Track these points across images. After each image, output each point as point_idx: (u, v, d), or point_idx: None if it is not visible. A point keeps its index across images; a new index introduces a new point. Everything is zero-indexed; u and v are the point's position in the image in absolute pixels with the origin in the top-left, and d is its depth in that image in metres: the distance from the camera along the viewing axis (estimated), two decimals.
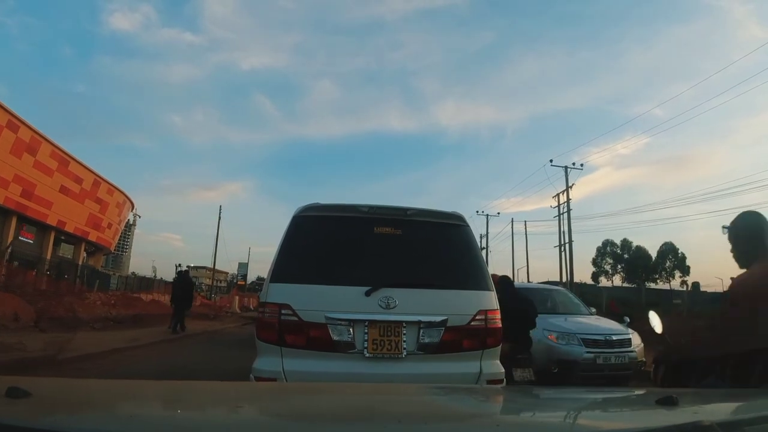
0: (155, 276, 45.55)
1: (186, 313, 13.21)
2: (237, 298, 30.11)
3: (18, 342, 7.22)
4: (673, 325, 2.78)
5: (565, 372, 6.11)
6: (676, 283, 53.68)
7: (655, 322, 2.60)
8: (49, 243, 22.27)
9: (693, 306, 22.14)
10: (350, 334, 2.68)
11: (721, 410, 1.34)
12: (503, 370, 2.93)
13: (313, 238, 3.04)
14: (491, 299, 2.96)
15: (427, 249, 3.08)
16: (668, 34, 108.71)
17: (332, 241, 3.02)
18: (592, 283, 52.37)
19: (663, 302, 24.93)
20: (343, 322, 2.68)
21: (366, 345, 2.67)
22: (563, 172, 26.98)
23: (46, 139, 19.73)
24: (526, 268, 39.46)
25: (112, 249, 32.73)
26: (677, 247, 59.02)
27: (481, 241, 36.69)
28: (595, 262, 62.83)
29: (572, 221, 26.63)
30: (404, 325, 2.72)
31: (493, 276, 3.65)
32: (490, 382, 2.79)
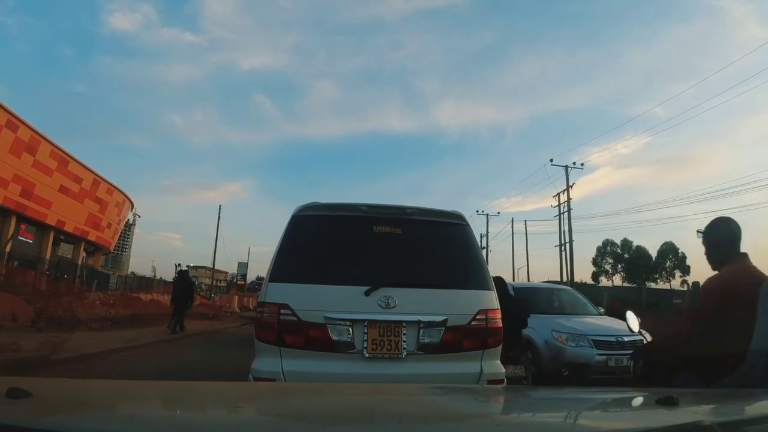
0: (155, 276, 45.62)
1: (185, 313, 13.18)
2: (236, 297, 30.13)
3: (14, 342, 7.18)
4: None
5: (575, 375, 5.80)
6: (676, 283, 53.53)
7: (632, 320, 2.79)
8: (48, 242, 22.27)
9: (693, 305, 22.13)
10: (350, 334, 2.66)
11: (721, 410, 1.34)
12: (504, 370, 2.92)
13: (312, 237, 3.02)
14: (492, 299, 2.94)
15: (427, 248, 3.07)
16: (668, 34, 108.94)
17: (331, 241, 3.00)
18: (592, 282, 52.46)
19: (663, 302, 24.96)
20: (342, 322, 2.66)
21: (365, 345, 2.65)
22: (563, 172, 27.08)
23: (45, 139, 19.73)
24: (526, 267, 39.55)
25: (112, 249, 32.72)
26: (677, 246, 58.94)
27: (481, 241, 36.70)
28: (595, 262, 62.86)
29: (572, 221, 26.70)
30: (404, 324, 2.71)
31: None
32: (490, 382, 2.77)
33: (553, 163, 27.15)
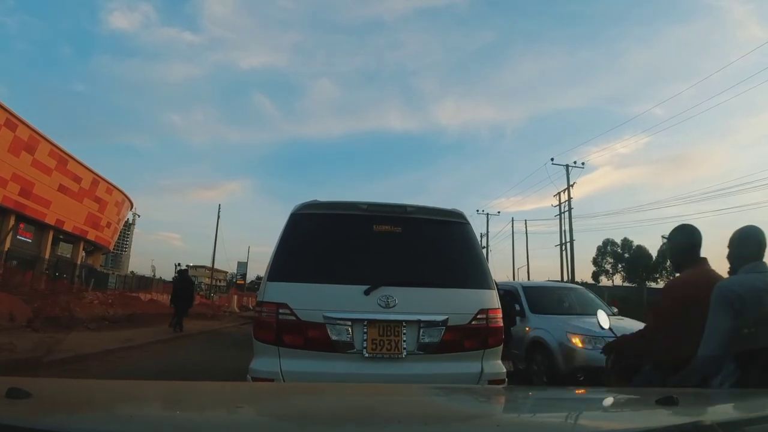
0: (154, 275, 45.64)
1: (186, 313, 13.12)
2: (235, 297, 30.12)
3: (8, 342, 7.09)
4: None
5: (592, 379, 5.32)
6: None
7: (602, 319, 3.00)
8: (47, 242, 22.23)
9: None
10: (349, 333, 2.64)
11: (721, 410, 1.35)
12: (505, 370, 2.91)
13: (312, 236, 2.99)
14: (493, 298, 2.92)
15: (427, 247, 3.05)
16: (668, 34, 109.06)
17: (331, 239, 2.98)
18: (592, 282, 52.39)
19: None
20: (341, 322, 2.64)
21: (365, 345, 2.64)
22: (564, 171, 27.04)
23: (44, 138, 19.69)
24: (526, 267, 39.57)
25: (111, 248, 32.67)
26: None
27: (481, 241, 36.66)
28: (595, 262, 62.91)
29: (573, 220, 26.69)
30: (404, 324, 2.69)
31: None
32: (491, 382, 2.75)
33: (554, 162, 27.15)
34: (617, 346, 2.80)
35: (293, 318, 2.65)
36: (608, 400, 1.67)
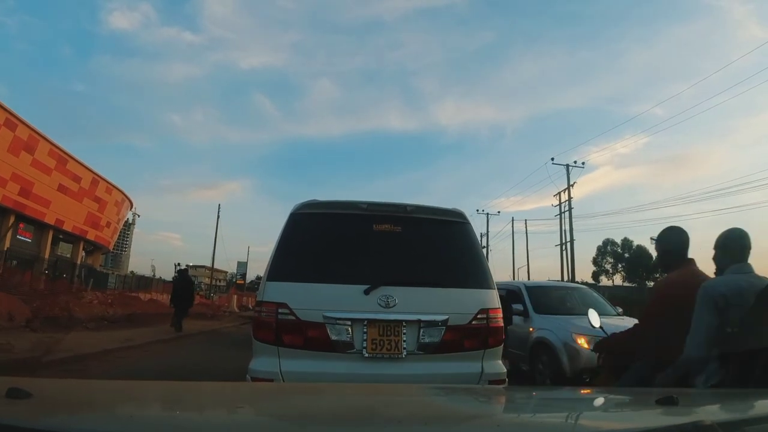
0: (154, 275, 45.63)
1: (187, 313, 13.11)
2: (235, 297, 30.11)
3: (6, 342, 7.06)
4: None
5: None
6: None
7: (593, 317, 3.09)
8: (47, 242, 22.23)
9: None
10: (349, 333, 2.63)
11: (721, 410, 1.34)
12: (505, 370, 2.90)
13: (311, 235, 2.98)
14: (493, 297, 2.91)
15: (428, 246, 3.04)
16: (668, 34, 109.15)
17: (330, 239, 2.97)
18: (592, 282, 52.44)
19: None
20: (341, 322, 2.63)
21: (365, 345, 2.63)
22: (564, 171, 27.05)
23: (44, 138, 19.68)
24: (526, 267, 39.61)
25: (111, 248, 32.68)
26: None
27: (481, 240, 36.54)
28: (595, 261, 63.00)
29: (573, 220, 26.69)
30: (404, 324, 2.68)
31: None
32: (492, 382, 2.74)
33: (554, 161, 27.17)
34: (607, 344, 2.88)
35: (293, 318, 2.64)
36: (608, 400, 1.67)
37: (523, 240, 41.07)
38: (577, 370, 5.50)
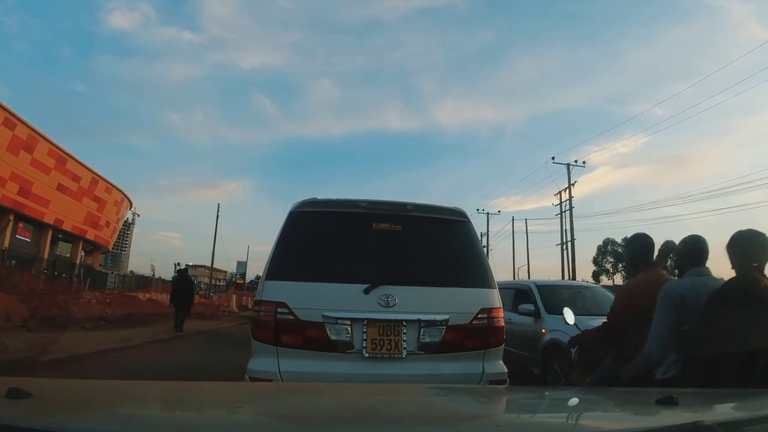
0: (153, 275, 45.57)
1: (187, 313, 13.07)
2: (235, 296, 30.10)
3: (1, 343, 7.02)
4: None
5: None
6: None
7: (568, 316, 3.21)
8: (46, 241, 22.21)
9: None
10: (348, 333, 2.62)
11: (721, 410, 1.34)
12: (506, 370, 2.88)
13: (310, 234, 2.96)
14: (494, 297, 2.90)
15: (428, 245, 3.02)
16: (668, 34, 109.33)
17: (330, 238, 2.95)
18: (593, 282, 52.41)
19: None
20: (341, 321, 2.62)
21: (365, 345, 2.61)
22: (564, 170, 27.02)
23: (43, 137, 19.67)
24: (527, 266, 39.63)
25: (111, 248, 32.68)
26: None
27: (481, 240, 36.58)
28: (595, 261, 62.89)
29: (573, 219, 26.69)
30: (404, 324, 2.67)
31: None
32: (493, 382, 2.73)
33: (555, 161, 27.14)
34: (579, 340, 3.00)
35: (292, 317, 2.62)
36: (608, 400, 1.67)
37: (523, 239, 41.13)
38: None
